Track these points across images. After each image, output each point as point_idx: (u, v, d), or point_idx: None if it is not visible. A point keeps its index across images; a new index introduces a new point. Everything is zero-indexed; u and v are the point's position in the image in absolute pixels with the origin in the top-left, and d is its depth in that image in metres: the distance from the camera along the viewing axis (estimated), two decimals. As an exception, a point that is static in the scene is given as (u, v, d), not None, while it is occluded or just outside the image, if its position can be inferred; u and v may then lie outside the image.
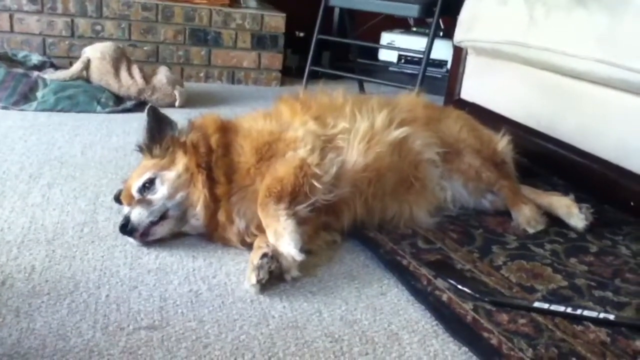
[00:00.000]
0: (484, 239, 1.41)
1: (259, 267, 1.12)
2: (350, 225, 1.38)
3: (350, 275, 1.23)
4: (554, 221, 1.49)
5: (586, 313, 1.09)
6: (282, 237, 1.17)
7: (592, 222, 1.46)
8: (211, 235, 1.31)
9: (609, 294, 1.18)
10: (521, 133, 1.84)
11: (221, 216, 1.28)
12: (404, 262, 1.26)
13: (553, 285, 1.21)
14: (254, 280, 1.11)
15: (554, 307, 1.10)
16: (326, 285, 1.17)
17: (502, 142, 1.61)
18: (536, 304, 1.11)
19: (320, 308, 1.09)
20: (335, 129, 1.39)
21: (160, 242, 1.28)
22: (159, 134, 1.35)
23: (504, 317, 1.07)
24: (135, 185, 1.29)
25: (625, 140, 1.55)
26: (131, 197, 1.30)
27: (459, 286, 1.16)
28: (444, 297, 1.13)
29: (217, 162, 1.31)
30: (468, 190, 1.54)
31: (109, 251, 1.23)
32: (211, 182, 1.29)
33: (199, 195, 1.28)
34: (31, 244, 1.23)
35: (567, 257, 1.34)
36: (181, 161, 1.31)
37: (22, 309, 1.01)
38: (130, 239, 1.26)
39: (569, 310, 1.09)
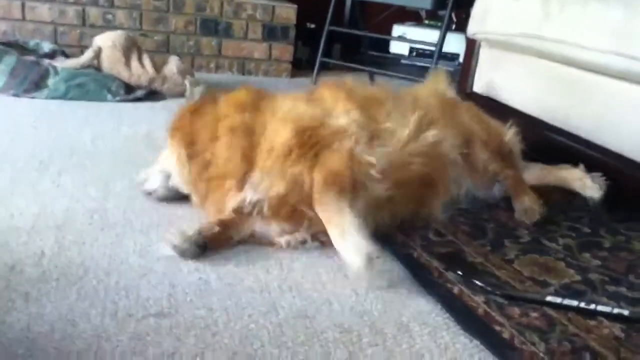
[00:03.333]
0: (495, 232, 1.39)
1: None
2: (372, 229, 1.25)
3: (361, 266, 1.21)
4: (567, 196, 1.52)
5: (600, 308, 1.07)
6: (348, 241, 1.12)
7: (606, 193, 1.48)
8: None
9: (623, 290, 1.17)
10: (535, 127, 1.82)
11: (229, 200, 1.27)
12: (415, 254, 1.25)
13: (566, 279, 1.19)
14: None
15: (567, 302, 1.08)
16: (336, 276, 1.16)
17: (509, 133, 1.60)
18: (549, 298, 1.10)
19: (330, 298, 1.08)
20: (380, 125, 1.34)
21: (170, 230, 1.26)
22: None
23: (515, 311, 1.06)
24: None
25: (641, 134, 1.53)
26: None
27: (471, 279, 1.14)
28: (455, 290, 1.12)
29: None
30: (477, 183, 1.53)
31: (118, 238, 1.23)
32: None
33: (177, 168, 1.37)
34: (41, 230, 1.23)
35: (580, 251, 1.33)
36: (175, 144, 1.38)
37: (31, 294, 1.00)
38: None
39: (583, 304, 1.08)
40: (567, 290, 1.15)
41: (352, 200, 1.18)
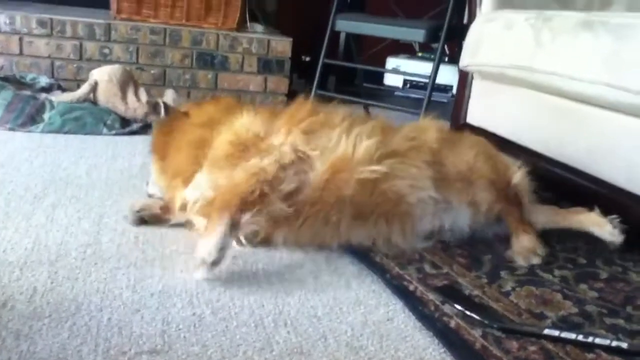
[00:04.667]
0: (492, 264, 1.39)
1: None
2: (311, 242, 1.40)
3: (357, 300, 1.20)
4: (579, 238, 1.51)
5: (598, 341, 1.06)
6: (207, 241, 1.21)
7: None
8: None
9: (621, 322, 1.16)
10: (528, 157, 1.83)
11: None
12: (411, 287, 1.24)
13: (563, 311, 1.18)
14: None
15: (564, 335, 1.07)
16: (332, 310, 1.15)
17: (518, 175, 1.54)
18: (546, 331, 1.08)
19: (326, 333, 1.07)
20: (315, 151, 1.38)
21: (164, 265, 1.27)
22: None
23: (513, 344, 1.05)
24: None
25: (635, 165, 1.53)
26: None
27: (467, 312, 1.14)
28: (452, 324, 1.10)
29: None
30: (475, 222, 1.50)
31: (111, 273, 1.22)
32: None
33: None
34: (34, 265, 1.22)
35: (577, 283, 1.32)
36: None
37: (22, 331, 0.99)
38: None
39: (580, 337, 1.06)
40: (564, 323, 1.14)
41: (238, 215, 1.25)
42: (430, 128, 1.56)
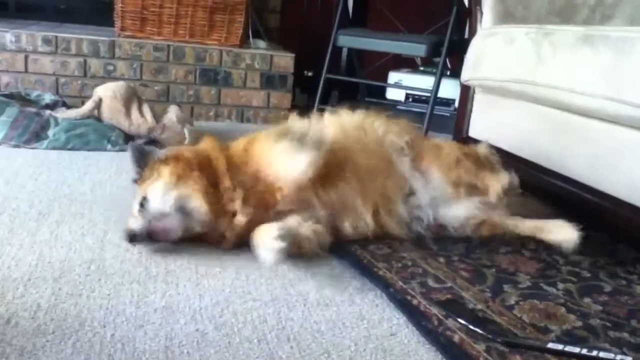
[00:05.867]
0: (495, 277, 1.39)
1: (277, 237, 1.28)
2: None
3: (360, 314, 1.20)
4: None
5: (602, 355, 1.06)
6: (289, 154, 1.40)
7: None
8: (218, 222, 1.43)
9: (626, 335, 1.15)
10: (531, 170, 1.83)
11: (227, 183, 1.43)
12: (414, 301, 1.24)
13: (567, 325, 1.18)
14: (276, 246, 1.26)
15: (568, 348, 1.07)
16: (335, 325, 1.15)
17: (482, 145, 1.72)
18: (550, 345, 1.08)
19: (329, 349, 1.07)
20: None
21: (167, 280, 1.27)
22: (145, 163, 1.50)
23: (517, 359, 1.04)
24: (134, 209, 1.41)
25: (637, 178, 1.53)
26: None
27: (471, 326, 1.13)
28: (456, 338, 1.10)
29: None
30: (446, 180, 1.59)
31: (115, 289, 1.22)
32: (207, 173, 1.44)
33: (193, 187, 1.40)
34: (38, 282, 1.22)
35: (581, 296, 1.32)
36: (164, 170, 1.44)
37: (26, 348, 0.99)
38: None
39: (585, 351, 1.06)
40: (568, 337, 1.13)
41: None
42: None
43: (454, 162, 1.61)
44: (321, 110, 2.84)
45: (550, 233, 1.52)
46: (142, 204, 1.40)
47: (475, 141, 2.17)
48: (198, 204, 1.40)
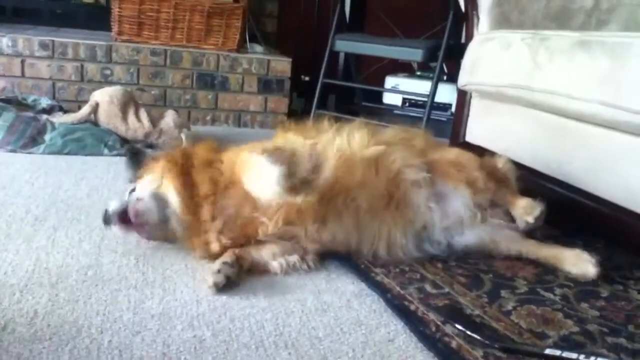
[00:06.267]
0: (492, 283, 1.39)
1: (218, 271, 1.27)
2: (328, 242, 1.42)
3: (358, 320, 1.20)
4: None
5: (600, 360, 1.06)
6: (261, 175, 1.27)
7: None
8: (192, 236, 1.39)
9: (623, 341, 1.16)
10: (527, 175, 1.83)
11: (205, 214, 1.38)
12: (412, 307, 1.24)
13: (564, 331, 1.18)
14: (210, 282, 1.25)
15: (566, 354, 1.07)
16: (332, 331, 1.15)
17: (502, 160, 1.67)
18: (548, 351, 1.08)
19: (327, 355, 1.07)
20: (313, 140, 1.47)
21: (164, 286, 1.27)
22: (140, 164, 1.52)
23: (515, 365, 1.04)
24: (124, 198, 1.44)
25: (634, 183, 1.54)
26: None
27: (469, 332, 1.13)
28: (453, 344, 1.10)
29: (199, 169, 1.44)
30: (474, 204, 1.51)
31: (112, 295, 1.22)
32: (189, 184, 1.40)
33: (170, 184, 1.39)
34: (34, 288, 1.22)
35: (578, 302, 1.32)
36: (155, 167, 1.45)
37: (23, 355, 0.99)
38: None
39: (582, 357, 1.06)
40: (566, 342, 1.13)
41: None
42: (418, 134, 1.70)
43: (474, 182, 1.52)
44: (321, 116, 2.85)
45: (569, 264, 1.44)
46: (131, 194, 1.43)
47: (472, 146, 2.18)
48: (173, 197, 1.38)
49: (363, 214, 1.41)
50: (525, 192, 1.59)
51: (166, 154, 1.52)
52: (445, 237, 1.51)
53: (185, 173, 1.42)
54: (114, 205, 1.40)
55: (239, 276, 1.32)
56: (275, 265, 1.38)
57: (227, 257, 1.32)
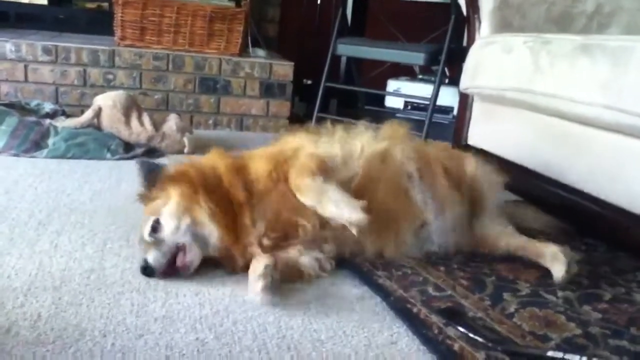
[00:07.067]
0: (495, 285, 1.39)
1: (264, 275, 1.23)
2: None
3: (360, 323, 1.20)
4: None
5: (602, 363, 1.06)
6: (341, 208, 1.29)
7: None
8: (232, 248, 1.36)
9: (625, 343, 1.15)
10: (530, 179, 1.84)
11: (246, 220, 1.36)
12: (414, 309, 1.24)
13: (567, 333, 1.18)
14: (261, 285, 1.22)
15: (568, 357, 1.07)
16: (335, 334, 1.15)
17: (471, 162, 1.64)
18: (550, 353, 1.08)
19: (329, 357, 1.07)
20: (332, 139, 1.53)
21: (167, 289, 1.27)
22: (153, 180, 1.42)
23: (517, 367, 1.04)
24: (145, 233, 1.34)
25: (637, 186, 1.54)
26: (147, 244, 1.34)
27: (471, 334, 1.13)
28: (456, 346, 1.10)
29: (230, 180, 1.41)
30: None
31: (115, 298, 1.22)
32: (218, 196, 1.36)
33: (203, 213, 1.34)
34: (38, 291, 1.22)
35: (580, 304, 1.32)
36: (174, 192, 1.37)
37: (26, 358, 0.99)
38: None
39: (584, 359, 1.06)
40: (568, 345, 1.13)
41: (326, 179, 1.35)
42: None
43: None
44: (321, 119, 2.84)
45: (547, 261, 1.44)
46: (155, 229, 1.33)
47: (474, 149, 2.18)
48: (212, 229, 1.34)
49: (380, 212, 1.42)
50: (525, 193, 1.60)
51: (182, 173, 1.41)
52: (443, 238, 1.53)
53: (211, 191, 1.37)
54: (153, 257, 1.30)
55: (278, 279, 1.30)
56: (305, 261, 1.38)
57: (266, 260, 1.28)
